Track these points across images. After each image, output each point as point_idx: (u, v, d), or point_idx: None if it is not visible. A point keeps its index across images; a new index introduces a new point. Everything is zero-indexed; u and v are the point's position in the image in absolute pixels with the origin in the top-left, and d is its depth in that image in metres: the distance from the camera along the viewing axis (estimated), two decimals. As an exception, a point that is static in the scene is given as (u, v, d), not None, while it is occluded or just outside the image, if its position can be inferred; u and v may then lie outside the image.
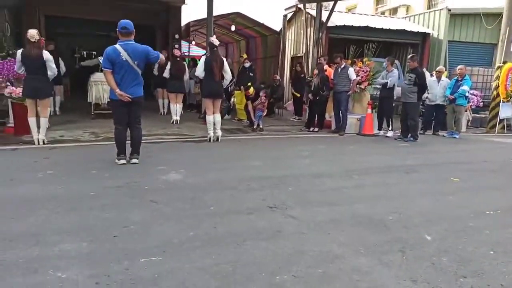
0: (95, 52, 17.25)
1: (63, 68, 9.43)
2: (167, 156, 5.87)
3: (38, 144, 6.31)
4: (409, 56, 8.68)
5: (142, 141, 5.46)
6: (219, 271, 2.45)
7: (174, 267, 2.48)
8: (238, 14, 13.34)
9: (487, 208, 3.92)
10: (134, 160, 5.16)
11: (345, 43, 11.63)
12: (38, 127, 6.40)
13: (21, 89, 6.68)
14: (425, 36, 13.61)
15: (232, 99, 10.51)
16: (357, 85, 9.63)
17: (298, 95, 11.35)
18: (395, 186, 4.77)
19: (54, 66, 6.42)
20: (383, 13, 20.48)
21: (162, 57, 5.38)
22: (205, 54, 7.52)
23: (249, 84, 9.45)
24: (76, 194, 3.88)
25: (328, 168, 5.58)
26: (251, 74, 10.03)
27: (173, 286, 2.25)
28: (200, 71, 7.01)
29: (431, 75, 10.46)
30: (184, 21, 14.13)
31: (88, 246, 2.73)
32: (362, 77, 9.82)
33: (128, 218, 3.28)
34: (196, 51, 18.51)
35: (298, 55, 14.36)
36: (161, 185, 4.32)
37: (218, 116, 7.13)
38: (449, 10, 13.25)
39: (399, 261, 2.71)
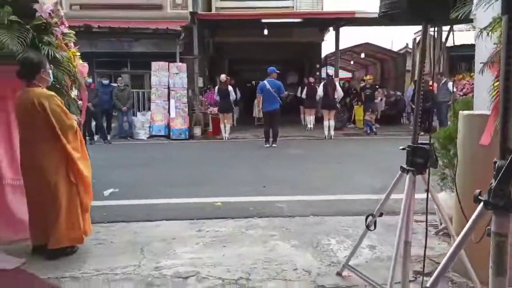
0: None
1: (238, 95, 14.26)
2: (294, 144, 9.59)
3: (225, 139, 10.89)
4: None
5: (282, 139, 9.31)
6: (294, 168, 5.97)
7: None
8: (367, 44, 16.29)
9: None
10: (273, 145, 9.05)
11: (467, 60, 13.15)
12: (225, 130, 11.03)
13: (216, 108, 11.48)
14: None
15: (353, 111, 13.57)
16: (463, 96, 11.40)
17: (413, 107, 13.49)
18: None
19: (234, 94, 10.99)
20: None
21: (286, 93, 9.17)
22: (324, 80, 11.00)
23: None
24: (245, 155, 7.99)
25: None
26: (367, 93, 12.85)
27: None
28: (320, 91, 10.53)
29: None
30: (324, 53, 17.90)
31: (255, 166, 6.63)
32: (467, 89, 11.54)
33: (268, 163, 7.10)
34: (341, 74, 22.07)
35: (425, 73, 16.17)
36: (285, 155, 8.04)
37: (332, 122, 10.47)
38: None
39: (330, 173, 5.64)
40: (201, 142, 10.77)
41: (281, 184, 5.41)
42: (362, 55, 16.88)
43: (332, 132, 10.55)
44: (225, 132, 10.97)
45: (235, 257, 3.04)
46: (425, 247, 2.03)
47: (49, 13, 3.33)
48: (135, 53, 13.14)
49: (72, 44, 3.68)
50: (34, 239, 3.02)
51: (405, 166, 2.29)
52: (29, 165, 2.87)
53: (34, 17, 3.26)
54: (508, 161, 1.28)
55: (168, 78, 11.65)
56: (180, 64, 11.82)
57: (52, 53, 3.20)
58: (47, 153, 2.82)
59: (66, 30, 3.58)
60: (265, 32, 14.18)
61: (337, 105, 10.98)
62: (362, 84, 12.82)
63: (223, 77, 10.88)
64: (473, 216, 1.41)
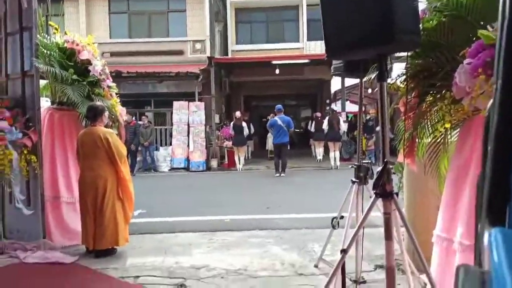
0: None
1: (252, 130, 15.31)
2: (302, 174, 10.45)
3: (239, 170, 11.85)
4: None
5: (292, 169, 10.21)
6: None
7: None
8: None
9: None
10: (282, 174, 9.94)
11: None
12: (239, 162, 12.00)
13: (231, 142, 12.55)
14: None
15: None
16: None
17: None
18: None
19: (247, 130, 12.06)
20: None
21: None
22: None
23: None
24: (255, 183, 8.90)
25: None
26: (370, 124, 13.70)
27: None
28: (325, 125, 11.50)
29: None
30: (334, 88, 18.99)
31: (263, 192, 7.52)
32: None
33: (274, 190, 7.97)
34: (351, 108, 23.13)
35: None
36: (291, 183, 8.90)
37: (337, 153, 11.37)
38: None
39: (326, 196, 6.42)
40: (217, 173, 11.76)
41: (282, 205, 6.26)
42: (369, 90, 17.81)
43: (338, 163, 11.37)
44: (239, 164, 11.94)
45: (237, 256, 3.91)
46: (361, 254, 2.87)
47: (99, 72, 4.49)
48: (159, 93, 14.58)
49: (114, 94, 4.81)
50: (86, 243, 3.97)
51: (354, 179, 3.17)
52: (91, 184, 3.85)
53: (89, 76, 4.43)
54: (382, 167, 2.18)
55: (188, 115, 12.86)
56: (199, 103, 13.07)
57: (102, 101, 4.32)
58: (107, 175, 3.83)
59: (110, 84, 4.73)
60: (277, 71, 15.42)
61: (344, 137, 11.85)
62: (367, 117, 13.69)
63: (237, 114, 12.03)
64: (370, 203, 2.29)
